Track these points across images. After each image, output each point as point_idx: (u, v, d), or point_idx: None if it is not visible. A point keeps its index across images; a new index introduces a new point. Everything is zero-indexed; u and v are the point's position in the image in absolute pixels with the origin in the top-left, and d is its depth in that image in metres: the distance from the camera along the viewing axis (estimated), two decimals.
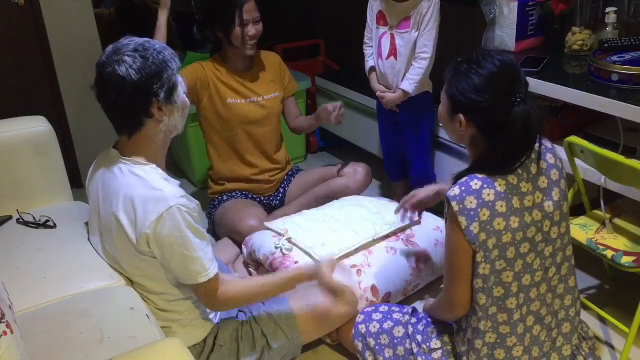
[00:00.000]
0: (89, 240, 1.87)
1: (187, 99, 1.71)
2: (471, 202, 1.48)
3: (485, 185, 1.49)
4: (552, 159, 1.59)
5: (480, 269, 1.52)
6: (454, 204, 1.49)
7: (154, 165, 1.67)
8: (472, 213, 1.48)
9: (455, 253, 1.55)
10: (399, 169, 2.85)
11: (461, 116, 1.52)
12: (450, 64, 1.57)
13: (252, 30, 2.41)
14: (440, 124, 1.68)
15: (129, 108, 1.60)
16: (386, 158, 2.90)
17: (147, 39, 1.65)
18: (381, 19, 2.54)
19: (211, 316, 1.84)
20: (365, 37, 2.66)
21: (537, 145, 1.56)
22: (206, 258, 1.62)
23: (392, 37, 2.51)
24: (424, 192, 2.05)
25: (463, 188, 1.49)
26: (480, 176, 1.50)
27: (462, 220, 1.48)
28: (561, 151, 2.05)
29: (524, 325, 1.60)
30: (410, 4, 2.44)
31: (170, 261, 1.61)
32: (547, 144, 1.61)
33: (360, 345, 1.89)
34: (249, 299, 1.81)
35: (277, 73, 2.65)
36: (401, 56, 2.51)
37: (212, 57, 2.57)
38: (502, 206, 1.49)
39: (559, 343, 1.67)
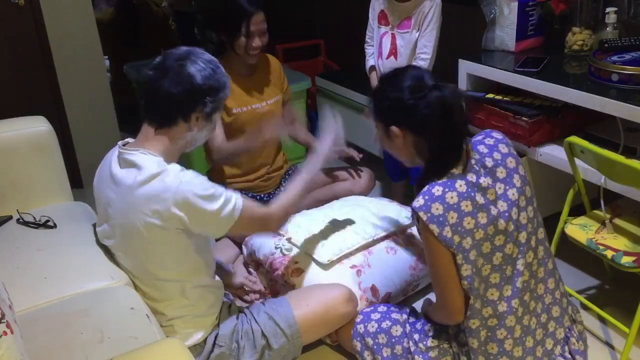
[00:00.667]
0: (89, 238, 1.87)
1: (216, 125, 1.79)
2: (437, 209, 1.51)
3: (447, 189, 1.53)
4: (504, 148, 1.63)
5: (462, 270, 1.54)
6: (421, 214, 1.52)
7: (162, 158, 1.67)
8: (441, 219, 1.51)
9: (438, 261, 1.57)
10: (399, 168, 2.85)
11: (393, 128, 1.60)
12: (368, 101, 1.70)
13: (257, 41, 2.38)
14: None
15: (176, 103, 1.66)
16: (386, 158, 2.89)
17: (214, 58, 1.75)
18: (382, 18, 2.55)
19: (213, 316, 1.84)
20: (367, 36, 2.66)
21: (490, 140, 1.64)
22: (225, 207, 1.65)
23: (393, 37, 2.51)
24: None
25: (426, 197, 1.53)
26: (439, 182, 1.55)
27: (434, 227, 1.51)
28: (561, 151, 2.05)
29: (514, 317, 1.61)
30: (412, 4, 2.44)
31: (202, 227, 1.68)
32: (497, 135, 1.66)
33: (358, 345, 1.89)
34: (295, 205, 1.89)
35: (278, 77, 2.64)
36: (401, 56, 2.51)
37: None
38: (467, 205, 1.52)
39: (551, 328, 1.69)
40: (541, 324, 1.67)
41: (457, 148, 1.56)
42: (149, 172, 1.62)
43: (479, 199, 1.53)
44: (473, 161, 1.58)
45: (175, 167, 1.65)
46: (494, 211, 1.54)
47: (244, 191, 2.63)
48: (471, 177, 1.55)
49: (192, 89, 1.65)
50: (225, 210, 1.66)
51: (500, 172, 1.59)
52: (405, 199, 2.86)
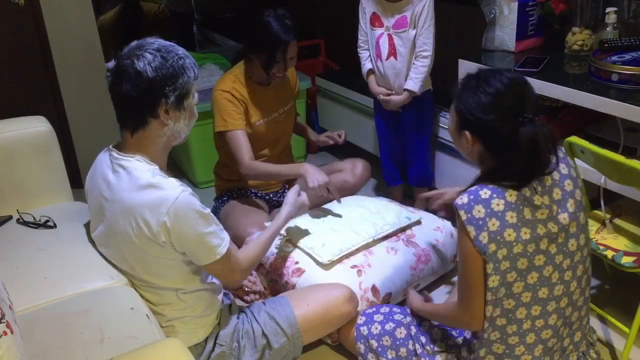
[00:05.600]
0: (89, 238, 1.87)
1: (195, 110, 1.73)
2: (479, 211, 1.45)
3: (495, 195, 1.46)
4: (565, 169, 1.55)
5: (489, 280, 1.48)
6: (461, 212, 1.46)
7: (157, 167, 1.67)
8: (480, 222, 1.45)
9: (468, 264, 1.50)
10: (398, 171, 2.84)
11: (467, 133, 1.51)
12: (461, 79, 1.56)
13: (287, 67, 2.41)
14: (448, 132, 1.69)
15: (137, 103, 1.61)
16: (385, 161, 2.86)
17: (172, 43, 1.67)
18: (376, 20, 2.52)
19: (212, 315, 1.84)
20: (359, 41, 2.63)
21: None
22: (216, 237, 1.66)
23: (390, 37, 2.50)
24: (451, 192, 2.02)
25: (472, 197, 1.46)
26: (490, 185, 1.47)
27: (471, 229, 1.45)
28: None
29: (537, 336, 1.56)
30: (404, 2, 2.43)
31: (187, 249, 1.65)
32: (560, 154, 1.54)
33: (362, 347, 1.88)
34: (259, 259, 1.92)
35: (292, 81, 2.65)
36: (401, 55, 2.50)
37: (235, 69, 2.52)
38: (512, 217, 1.45)
39: (568, 351, 1.65)
40: (562, 348, 1.63)
41: (528, 176, 1.47)
42: (145, 180, 1.60)
43: (527, 214, 1.46)
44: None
45: (174, 181, 1.63)
46: (540, 230, 1.47)
47: (253, 190, 2.65)
48: (525, 191, 1.47)
49: (145, 85, 1.58)
50: (214, 239, 1.65)
51: (556, 194, 1.51)
52: (405, 199, 2.87)
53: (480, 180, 1.51)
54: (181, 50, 1.66)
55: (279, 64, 2.37)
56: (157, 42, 1.64)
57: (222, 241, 1.68)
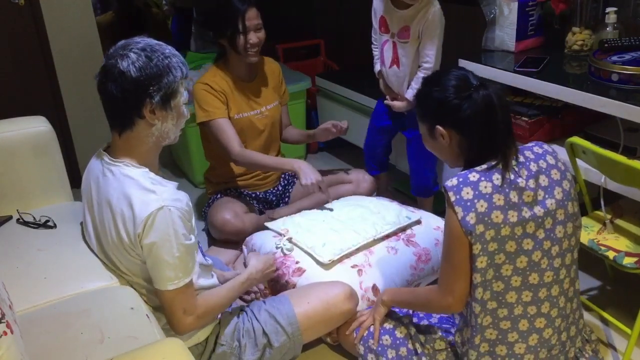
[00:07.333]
0: (84, 240, 1.88)
1: (186, 110, 1.71)
2: (467, 193, 1.51)
3: (483, 178, 1.52)
4: (551, 160, 1.61)
5: (477, 262, 1.52)
6: (450, 194, 1.52)
7: (146, 169, 1.66)
8: (468, 204, 1.50)
9: (452, 245, 1.55)
10: (376, 163, 2.84)
11: (438, 127, 1.60)
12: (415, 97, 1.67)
13: (253, 37, 2.40)
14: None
15: (122, 103, 1.60)
16: (369, 156, 2.85)
17: (160, 42, 1.65)
18: (382, 24, 2.51)
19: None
20: (372, 39, 2.64)
21: (539, 149, 1.60)
22: (182, 266, 1.59)
23: (394, 45, 2.49)
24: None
25: (461, 179, 1.53)
26: (478, 169, 1.54)
27: (459, 210, 1.51)
28: (562, 151, 2.05)
29: (530, 324, 1.59)
30: (411, 12, 2.40)
31: (147, 259, 1.60)
32: (547, 147, 1.64)
33: (361, 348, 1.88)
34: (217, 310, 1.78)
35: (277, 81, 2.66)
36: (403, 65, 2.49)
37: (216, 65, 2.55)
38: (499, 199, 1.51)
39: (567, 346, 1.67)
40: (561, 342, 1.65)
41: (498, 148, 1.54)
42: (134, 184, 1.59)
43: (513, 197, 1.52)
44: (514, 162, 1.55)
45: (166, 192, 1.59)
46: (526, 213, 1.52)
47: (239, 190, 2.64)
48: (509, 175, 1.53)
49: (129, 85, 1.56)
50: (168, 271, 1.57)
51: (543, 180, 1.57)
52: (406, 200, 2.86)
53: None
54: (168, 49, 1.64)
55: (242, 35, 2.37)
56: (143, 41, 1.62)
57: (177, 279, 1.59)
